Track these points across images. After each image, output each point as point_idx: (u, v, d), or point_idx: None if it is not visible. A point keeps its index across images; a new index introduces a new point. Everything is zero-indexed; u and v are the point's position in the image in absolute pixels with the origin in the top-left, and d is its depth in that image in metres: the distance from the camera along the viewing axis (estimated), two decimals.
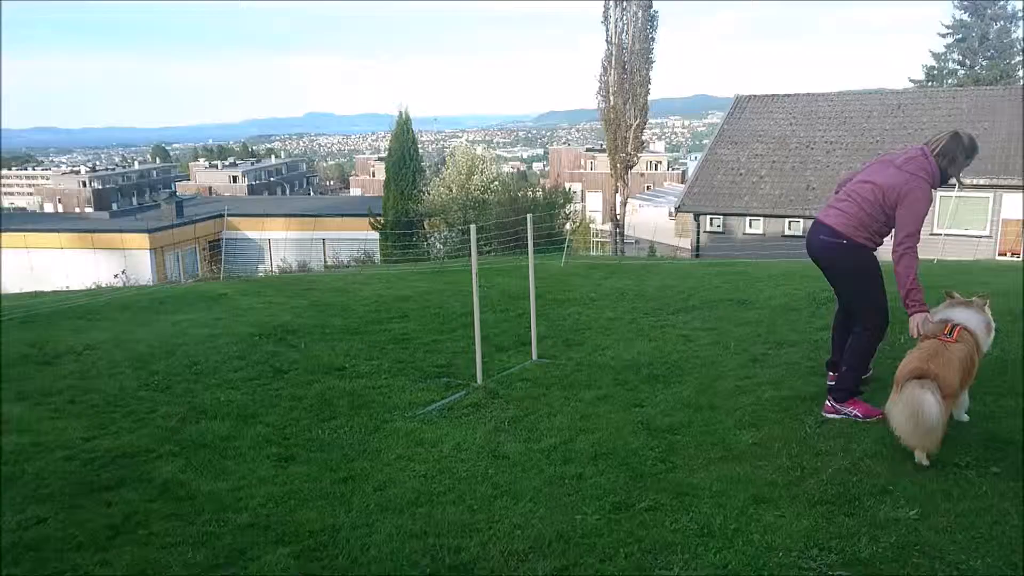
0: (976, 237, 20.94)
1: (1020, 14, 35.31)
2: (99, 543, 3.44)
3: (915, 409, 3.64)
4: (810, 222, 4.91)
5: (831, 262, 4.50)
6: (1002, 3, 35.46)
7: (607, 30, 29.30)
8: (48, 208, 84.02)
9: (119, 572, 3.20)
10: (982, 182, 21.00)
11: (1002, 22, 35.73)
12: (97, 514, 3.72)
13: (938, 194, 21.48)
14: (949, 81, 36.40)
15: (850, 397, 4.46)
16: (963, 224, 21.05)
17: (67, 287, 14.93)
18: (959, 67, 37.26)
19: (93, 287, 14.78)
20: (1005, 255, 20.79)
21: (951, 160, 4.29)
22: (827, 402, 4.53)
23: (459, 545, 3.30)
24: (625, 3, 29.02)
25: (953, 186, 4.45)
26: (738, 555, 3.08)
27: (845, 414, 4.43)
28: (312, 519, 3.62)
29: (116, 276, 19.11)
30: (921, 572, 2.89)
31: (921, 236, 4.24)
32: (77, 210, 73.12)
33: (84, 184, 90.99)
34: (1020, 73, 35.19)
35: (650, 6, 29.28)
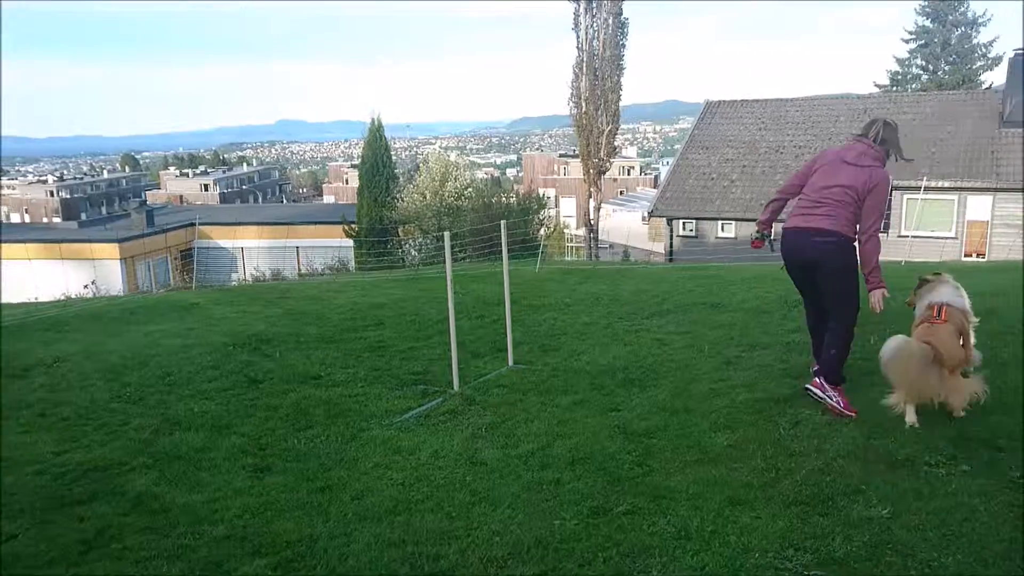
0: (942, 239, 21.32)
1: (980, 20, 36.09)
2: (72, 558, 3.39)
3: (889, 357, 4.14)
4: (779, 225, 5.06)
5: (826, 260, 4.60)
6: (963, 9, 36.20)
7: (578, 36, 29.47)
8: (15, 218, 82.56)
9: None
10: (947, 184, 21.41)
11: (963, 28, 36.45)
12: (69, 529, 3.67)
13: (904, 196, 21.87)
14: (913, 86, 37.05)
15: (841, 382, 4.62)
16: (929, 226, 21.43)
17: (36, 299, 14.69)
18: (922, 72, 37.94)
19: (62, 298, 14.55)
20: (971, 256, 21.18)
21: (892, 144, 4.70)
22: (816, 378, 4.70)
23: (438, 553, 3.30)
24: (595, 9, 29.21)
25: (907, 160, 4.95)
26: (715, 557, 3.11)
27: (827, 396, 4.57)
28: (289, 530, 3.60)
29: (86, 287, 18.83)
30: (894, 570, 2.94)
31: (889, 236, 4.53)
32: (45, 220, 71.91)
33: (52, 194, 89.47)
34: (982, 78, 35.92)
35: (620, 12, 29.51)
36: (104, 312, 9.92)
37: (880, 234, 4.53)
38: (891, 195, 4.75)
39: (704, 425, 4.60)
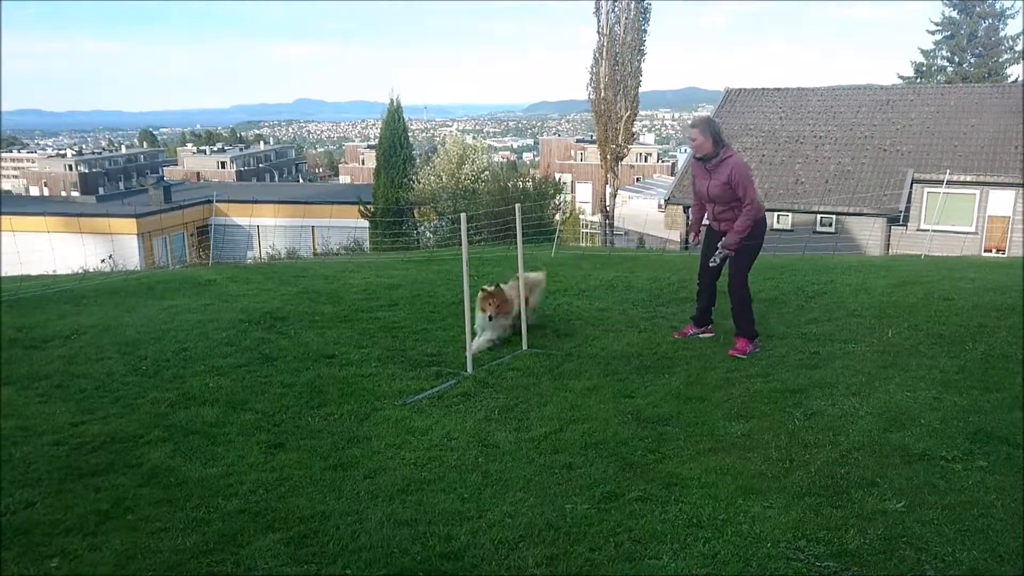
0: (962, 233, 21.11)
1: (1009, 12, 35.54)
2: (88, 528, 3.42)
3: None
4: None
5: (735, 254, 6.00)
6: (990, 2, 35.65)
7: (599, 21, 29.21)
8: (34, 191, 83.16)
9: (108, 557, 3.19)
10: (969, 178, 21.16)
11: (991, 20, 35.93)
12: (86, 499, 3.70)
13: (925, 190, 21.61)
14: (938, 78, 36.61)
15: (755, 336, 6.00)
16: (950, 220, 21.21)
17: (53, 271, 14.80)
18: (948, 64, 37.46)
19: (80, 272, 14.66)
20: (990, 251, 20.97)
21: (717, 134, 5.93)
22: (738, 344, 5.91)
23: (449, 533, 3.31)
24: None
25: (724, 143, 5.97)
26: (726, 545, 3.10)
27: (754, 351, 5.87)
28: (302, 506, 3.62)
29: (103, 261, 18.93)
30: (908, 564, 2.92)
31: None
32: (63, 194, 72.43)
33: (70, 168, 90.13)
34: (1008, 71, 35.42)
35: None
36: (121, 286, 9.99)
37: (753, 206, 5.82)
38: (752, 174, 5.76)
39: (718, 414, 4.59)
